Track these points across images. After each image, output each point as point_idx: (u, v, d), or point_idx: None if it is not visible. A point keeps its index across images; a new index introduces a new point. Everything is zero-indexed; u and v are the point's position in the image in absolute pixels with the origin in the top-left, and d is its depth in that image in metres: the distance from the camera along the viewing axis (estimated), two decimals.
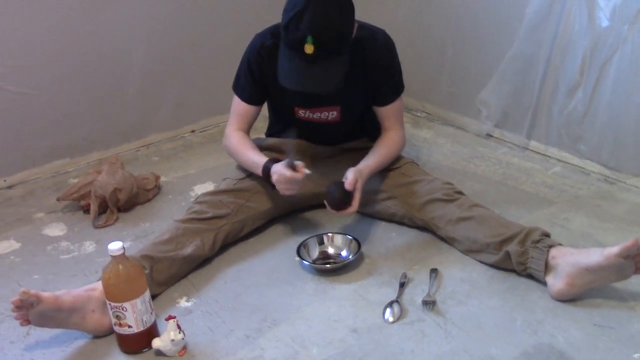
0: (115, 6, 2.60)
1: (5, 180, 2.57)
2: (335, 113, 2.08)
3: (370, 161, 2.03)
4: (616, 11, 2.09)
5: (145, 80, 2.77)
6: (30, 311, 1.60)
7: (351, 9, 1.88)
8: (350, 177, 1.92)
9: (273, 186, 1.96)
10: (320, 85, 1.87)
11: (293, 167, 1.91)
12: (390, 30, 2.07)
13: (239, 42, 2.15)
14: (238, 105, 2.11)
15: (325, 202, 1.95)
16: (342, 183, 1.92)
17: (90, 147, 2.73)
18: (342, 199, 1.92)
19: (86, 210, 2.31)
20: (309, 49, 1.79)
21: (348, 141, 2.22)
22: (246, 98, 2.09)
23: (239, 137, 2.10)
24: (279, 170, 1.90)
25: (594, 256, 1.66)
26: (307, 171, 1.91)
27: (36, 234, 2.24)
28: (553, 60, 2.35)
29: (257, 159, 2.01)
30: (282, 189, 1.92)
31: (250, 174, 2.12)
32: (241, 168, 2.17)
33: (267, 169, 1.96)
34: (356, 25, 1.93)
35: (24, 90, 2.51)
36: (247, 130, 2.14)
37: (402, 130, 2.16)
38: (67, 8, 2.51)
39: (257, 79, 2.04)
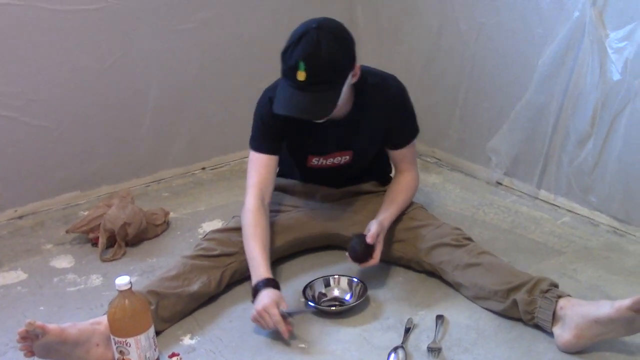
0: (131, 42, 2.65)
1: (16, 211, 2.59)
2: (347, 157, 2.10)
3: (390, 212, 2.04)
4: (628, 65, 2.12)
5: (158, 116, 2.80)
6: (35, 343, 1.60)
7: (349, 42, 1.88)
8: (373, 230, 1.93)
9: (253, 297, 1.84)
10: (307, 113, 1.86)
11: (284, 317, 1.79)
12: (403, 75, 2.10)
13: (252, 81, 2.18)
14: (255, 160, 2.04)
15: (347, 254, 1.95)
16: (364, 236, 1.93)
17: (101, 181, 2.75)
18: (364, 252, 1.93)
19: (94, 243, 2.31)
20: (300, 75, 1.80)
21: (356, 184, 2.23)
22: (263, 149, 2.04)
23: (252, 220, 1.95)
24: (267, 306, 1.75)
25: (604, 308, 1.64)
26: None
27: (44, 266, 2.24)
28: (564, 111, 2.37)
29: (258, 266, 1.87)
30: (255, 318, 1.79)
31: None
32: None
33: (257, 289, 1.83)
34: (361, 69, 1.93)
35: (39, 123, 2.55)
36: (268, 193, 2.04)
37: (416, 170, 2.18)
38: (83, 43, 2.55)
39: (272, 129, 2.03)
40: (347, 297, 1.98)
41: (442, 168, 2.89)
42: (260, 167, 2.04)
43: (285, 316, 1.78)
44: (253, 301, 1.82)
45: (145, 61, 2.70)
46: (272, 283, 1.83)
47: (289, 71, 1.83)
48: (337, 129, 2.01)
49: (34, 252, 2.33)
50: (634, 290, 1.76)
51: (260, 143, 2.05)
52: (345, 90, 1.88)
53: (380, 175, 2.27)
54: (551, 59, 2.35)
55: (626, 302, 1.60)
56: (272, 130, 2.03)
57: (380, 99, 2.02)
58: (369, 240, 1.92)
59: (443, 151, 2.94)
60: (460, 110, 2.81)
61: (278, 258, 2.14)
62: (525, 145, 2.55)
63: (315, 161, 2.10)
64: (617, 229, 2.30)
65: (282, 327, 1.75)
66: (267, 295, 1.78)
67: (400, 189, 2.12)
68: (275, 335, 1.81)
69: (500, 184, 2.69)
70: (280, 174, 2.28)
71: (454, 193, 2.66)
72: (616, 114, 2.19)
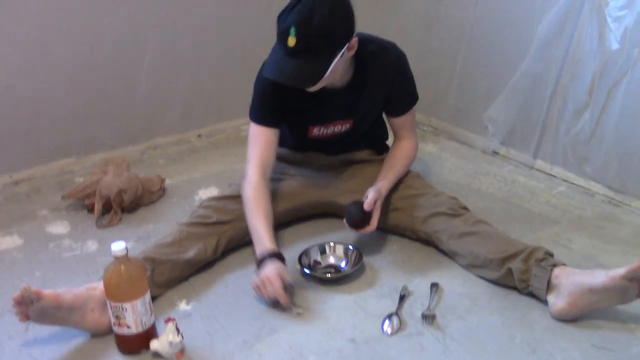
0: (126, 8, 2.61)
1: (11, 176, 2.58)
2: (348, 126, 2.09)
3: (388, 179, 2.04)
4: (627, 34, 2.10)
5: (153, 82, 2.78)
6: (31, 308, 1.60)
7: (347, 13, 1.84)
8: (370, 197, 1.93)
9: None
10: (293, 80, 1.84)
11: (286, 289, 1.78)
12: (402, 43, 2.08)
13: (248, 48, 2.16)
14: (256, 133, 2.03)
15: (344, 220, 1.96)
16: (361, 203, 1.93)
17: (96, 147, 2.74)
18: (361, 218, 1.93)
19: (90, 209, 2.31)
20: (290, 41, 1.78)
21: (353, 152, 2.23)
22: (264, 122, 2.02)
23: (255, 195, 1.95)
24: (271, 276, 1.76)
25: (598, 277, 1.65)
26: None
27: (39, 231, 2.24)
28: (562, 79, 2.36)
29: (262, 239, 1.87)
30: (257, 285, 1.80)
31: None
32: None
33: (262, 259, 1.83)
34: (361, 39, 1.90)
35: (34, 88, 2.53)
36: (269, 166, 2.03)
37: (415, 138, 2.18)
38: (78, 9, 2.52)
39: (272, 101, 2.01)
40: (343, 264, 1.99)
41: (439, 137, 2.88)
42: (261, 140, 2.02)
43: (287, 288, 1.79)
44: (256, 271, 1.83)
45: (140, 27, 2.67)
46: (277, 255, 1.84)
47: (281, 35, 1.81)
48: (337, 98, 2.00)
49: (30, 217, 2.33)
50: (628, 260, 1.77)
51: (261, 116, 2.03)
52: (340, 62, 1.85)
53: (377, 143, 2.26)
54: (550, 27, 2.33)
55: (620, 271, 1.61)
56: (272, 103, 2.01)
57: (380, 66, 2.00)
58: (366, 207, 1.92)
59: (440, 120, 2.93)
60: (458, 78, 2.79)
61: (275, 225, 2.14)
62: (523, 114, 2.55)
63: (316, 131, 2.09)
64: (613, 199, 2.30)
65: (283, 299, 1.76)
66: (272, 266, 1.79)
67: (399, 155, 2.12)
68: (272, 303, 1.82)
69: (496, 153, 2.69)
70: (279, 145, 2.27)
71: (450, 162, 2.65)
72: (614, 84, 2.18)
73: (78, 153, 2.70)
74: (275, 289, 1.76)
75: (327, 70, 1.82)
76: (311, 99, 1.96)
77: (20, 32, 2.45)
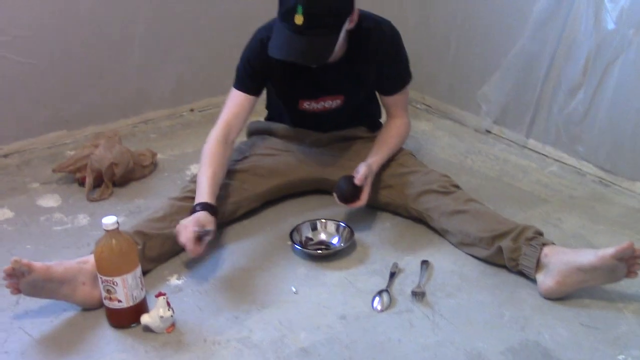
0: None
1: (1, 149, 2.56)
2: (339, 102, 2.08)
3: (380, 156, 2.04)
4: (623, 15, 2.09)
5: (145, 56, 2.76)
6: (21, 280, 1.60)
7: None
8: (361, 172, 1.93)
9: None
10: (304, 58, 1.84)
11: (199, 238, 1.77)
12: (396, 21, 2.06)
13: (241, 22, 2.14)
14: (232, 97, 2.04)
15: (334, 194, 1.96)
16: (352, 177, 1.93)
17: (87, 120, 2.72)
18: (351, 193, 1.93)
19: (81, 183, 2.30)
20: (298, 19, 1.77)
21: (345, 129, 2.22)
22: (241, 87, 2.03)
23: (208, 153, 1.96)
24: (188, 223, 1.77)
25: (587, 256, 1.66)
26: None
27: (30, 204, 2.24)
28: (557, 59, 2.35)
29: (202, 191, 1.87)
30: (176, 230, 1.79)
31: (246, 156, 2.13)
32: (239, 150, 2.17)
33: (193, 210, 1.82)
34: (359, 14, 1.90)
35: (26, 60, 2.51)
36: (234, 129, 2.02)
37: (407, 116, 2.17)
38: None
39: (257, 69, 2.01)
40: (334, 241, 1.99)
41: (432, 115, 2.88)
42: (234, 104, 2.03)
43: (201, 237, 1.77)
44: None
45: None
46: (209, 207, 1.83)
47: (286, 14, 1.79)
48: (329, 73, 1.99)
49: (20, 190, 2.32)
50: (617, 240, 1.78)
51: (240, 81, 2.04)
52: (342, 35, 1.85)
53: (370, 120, 2.26)
54: (545, 7, 2.32)
55: (609, 250, 1.62)
56: (255, 71, 2.01)
57: (374, 44, 1.99)
58: (357, 181, 1.92)
59: (433, 98, 2.93)
60: (452, 56, 2.78)
61: (267, 201, 2.15)
62: (516, 93, 2.54)
63: (306, 105, 2.08)
64: (603, 179, 2.31)
65: (189, 245, 1.74)
66: (193, 216, 1.78)
67: (391, 133, 2.12)
68: (261, 279, 1.83)
69: (489, 132, 2.69)
70: (269, 118, 2.28)
71: (443, 140, 2.65)
72: (608, 64, 2.18)
73: (69, 126, 2.69)
74: (186, 235, 1.74)
75: (335, 45, 1.83)
76: (301, 73, 1.95)
77: (11, 5, 2.42)
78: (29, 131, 2.61)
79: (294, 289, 1.80)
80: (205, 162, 1.95)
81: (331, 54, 1.84)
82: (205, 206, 1.82)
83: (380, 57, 2.02)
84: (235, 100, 2.03)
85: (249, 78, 2.03)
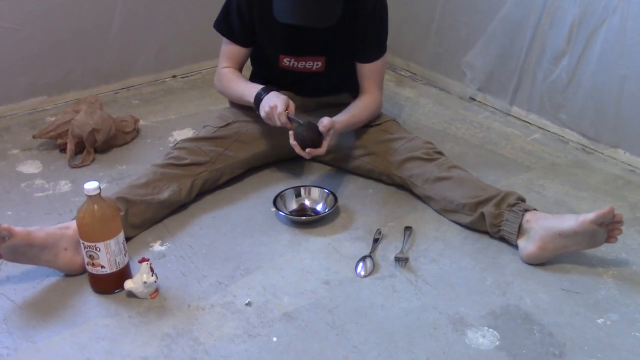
0: None
1: None
2: (320, 64, 2.07)
3: (344, 117, 2.02)
4: None
5: (128, 21, 2.71)
6: (2, 245, 1.59)
7: None
8: (326, 122, 1.91)
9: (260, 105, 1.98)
10: (313, 20, 1.87)
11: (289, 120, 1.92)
12: None
13: None
14: (228, 48, 2.10)
15: (294, 139, 1.91)
16: (315, 125, 1.92)
17: (69, 86, 2.68)
18: (311, 138, 1.90)
19: (62, 149, 2.28)
20: None
21: (330, 95, 2.20)
22: (237, 40, 2.07)
23: (230, 72, 2.11)
24: (273, 101, 1.92)
25: (568, 222, 1.68)
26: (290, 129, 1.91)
27: (10, 171, 2.21)
28: (541, 26, 2.35)
29: (252, 87, 2.02)
30: (267, 114, 1.93)
31: (229, 123, 2.11)
32: (222, 116, 2.15)
33: (258, 97, 1.98)
34: None
35: (5, 24, 2.45)
36: (239, 69, 2.14)
37: (379, 94, 2.15)
38: None
39: (246, 20, 2.01)
40: (318, 207, 1.99)
41: (417, 82, 2.87)
42: (231, 55, 2.11)
43: (291, 120, 1.91)
44: (257, 110, 1.98)
45: None
46: (274, 89, 1.98)
47: None
48: (312, 32, 1.97)
49: (0, 157, 2.29)
50: (598, 206, 1.80)
51: (232, 32, 2.07)
52: None
53: (355, 87, 2.24)
54: None
55: (590, 215, 1.64)
56: (244, 21, 2.02)
57: (359, 7, 1.98)
58: (321, 129, 1.90)
59: (418, 65, 2.91)
60: (437, 23, 2.76)
61: (250, 168, 2.14)
62: (501, 60, 2.54)
63: (286, 61, 2.06)
64: (586, 147, 2.32)
65: (285, 121, 1.90)
66: (275, 95, 1.94)
67: (361, 106, 2.09)
68: (245, 245, 1.83)
69: (473, 99, 2.69)
70: (254, 74, 2.24)
71: (427, 107, 2.65)
72: (593, 31, 2.18)
73: (50, 92, 2.65)
74: (280, 118, 1.89)
75: (340, 5, 1.85)
76: (286, 28, 1.95)
77: None
78: (8, 97, 2.57)
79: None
80: (231, 76, 2.10)
81: (339, 13, 1.86)
82: (271, 88, 1.98)
83: (364, 20, 2.01)
84: (232, 50, 2.11)
85: (240, 30, 2.05)
